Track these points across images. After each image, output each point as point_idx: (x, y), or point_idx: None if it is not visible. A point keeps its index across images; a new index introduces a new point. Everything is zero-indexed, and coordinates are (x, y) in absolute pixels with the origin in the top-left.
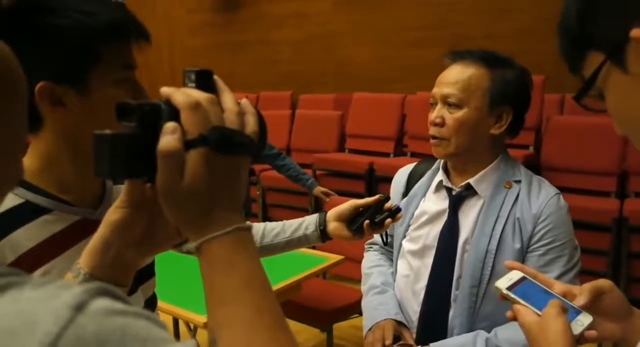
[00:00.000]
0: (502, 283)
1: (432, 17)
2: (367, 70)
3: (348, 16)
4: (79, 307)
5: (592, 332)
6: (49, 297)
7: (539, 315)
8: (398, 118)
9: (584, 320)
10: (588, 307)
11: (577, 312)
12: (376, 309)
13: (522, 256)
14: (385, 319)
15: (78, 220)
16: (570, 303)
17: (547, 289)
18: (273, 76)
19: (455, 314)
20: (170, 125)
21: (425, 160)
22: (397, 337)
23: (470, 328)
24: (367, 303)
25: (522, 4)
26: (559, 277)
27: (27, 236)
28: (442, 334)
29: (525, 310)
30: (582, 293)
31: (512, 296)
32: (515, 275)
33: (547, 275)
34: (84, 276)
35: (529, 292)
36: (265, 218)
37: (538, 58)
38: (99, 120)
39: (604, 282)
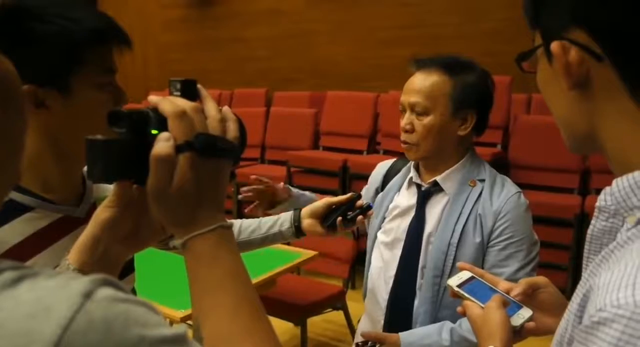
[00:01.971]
0: (453, 281)
1: (407, 17)
2: (342, 68)
3: (323, 15)
4: (88, 295)
5: (531, 324)
6: (61, 286)
7: (483, 309)
8: (372, 116)
9: (524, 313)
10: (524, 300)
11: (519, 306)
12: None
13: (482, 249)
14: None
15: (60, 217)
16: (512, 298)
17: (492, 286)
18: (248, 73)
19: (420, 302)
20: (165, 134)
21: (404, 157)
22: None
23: (433, 315)
24: None
25: (493, 6)
26: (517, 271)
27: (12, 233)
28: (408, 319)
29: (472, 305)
30: (518, 286)
31: (462, 292)
32: (465, 274)
33: (505, 269)
34: (73, 271)
35: (476, 289)
36: (240, 215)
37: (506, 59)
38: (81, 122)
39: (540, 279)
